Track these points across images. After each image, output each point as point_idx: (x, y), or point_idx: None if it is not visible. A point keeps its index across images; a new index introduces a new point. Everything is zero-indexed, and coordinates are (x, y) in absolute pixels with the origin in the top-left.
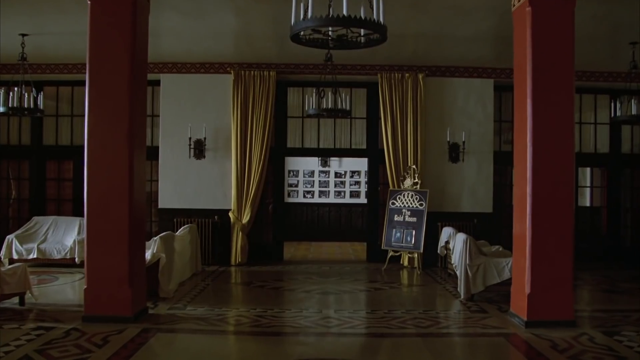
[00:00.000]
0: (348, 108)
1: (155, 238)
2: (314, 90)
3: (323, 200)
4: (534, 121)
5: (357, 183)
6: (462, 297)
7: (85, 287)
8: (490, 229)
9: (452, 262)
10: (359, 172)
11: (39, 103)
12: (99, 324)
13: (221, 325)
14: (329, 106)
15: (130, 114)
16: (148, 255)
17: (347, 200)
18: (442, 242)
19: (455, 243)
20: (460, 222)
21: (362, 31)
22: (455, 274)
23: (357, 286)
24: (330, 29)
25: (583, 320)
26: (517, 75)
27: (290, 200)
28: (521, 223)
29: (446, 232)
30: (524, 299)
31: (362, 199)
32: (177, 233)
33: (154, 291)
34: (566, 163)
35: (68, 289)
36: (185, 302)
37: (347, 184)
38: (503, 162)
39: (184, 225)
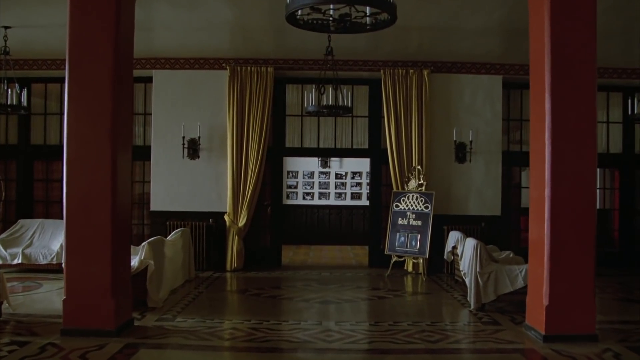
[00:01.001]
0: (350, 105)
1: (143, 244)
2: (314, 87)
3: (323, 202)
4: (553, 118)
5: (359, 184)
6: (472, 306)
7: (64, 297)
8: (498, 233)
9: (461, 268)
10: (360, 173)
11: (22, 100)
12: (78, 339)
13: (212, 339)
14: (330, 103)
15: (113, 110)
16: (135, 262)
17: (348, 202)
18: (449, 247)
19: (464, 249)
20: (467, 225)
21: (368, 10)
22: (464, 281)
23: (359, 294)
24: (331, 7)
25: (604, 333)
26: (534, 69)
27: (289, 202)
28: (538, 228)
29: (453, 236)
30: (541, 311)
31: (364, 201)
32: (168, 238)
33: (142, 301)
34: (588, 163)
35: (51, 298)
36: (175, 313)
37: (348, 186)
38: (512, 163)
39: (177, 228)
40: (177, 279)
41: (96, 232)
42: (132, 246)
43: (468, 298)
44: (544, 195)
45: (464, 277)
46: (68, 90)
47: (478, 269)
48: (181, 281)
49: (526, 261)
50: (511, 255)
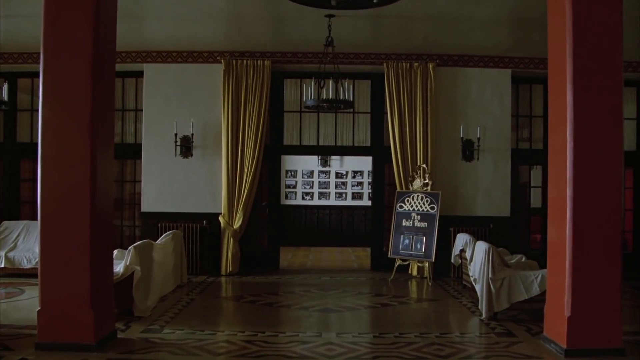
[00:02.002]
0: (351, 99)
1: (129, 248)
2: (313, 79)
3: (323, 202)
4: (575, 111)
5: (360, 184)
6: (483, 315)
7: (39, 308)
8: (507, 235)
9: (470, 274)
10: (361, 172)
11: (3, 94)
12: (54, 353)
13: (201, 354)
14: (330, 97)
15: (92, 104)
16: (120, 268)
17: (349, 202)
18: (456, 251)
19: (475, 253)
20: (475, 227)
21: None
22: (473, 286)
23: (362, 301)
24: None
25: (632, 346)
26: (553, 58)
27: (288, 202)
28: (558, 231)
29: (461, 239)
30: (562, 322)
31: (365, 201)
32: (158, 241)
33: (128, 309)
34: (614, 161)
35: (32, 306)
36: (163, 322)
37: (349, 185)
38: (520, 161)
39: (169, 230)
40: (168, 284)
41: (73, 237)
42: (119, 250)
43: (479, 306)
44: (565, 195)
45: (473, 283)
46: (43, 81)
47: (490, 275)
48: (172, 287)
49: (541, 266)
50: (523, 259)
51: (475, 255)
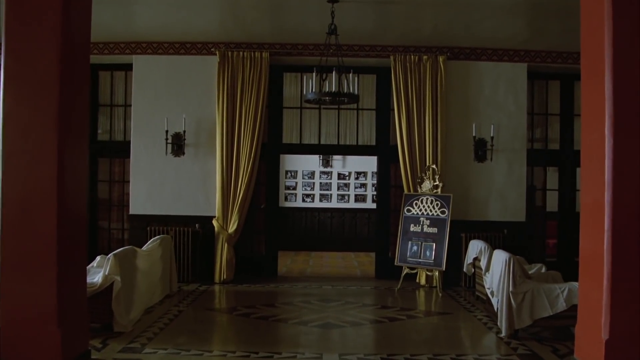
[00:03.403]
0: (356, 92)
1: (108, 255)
2: (314, 70)
3: (324, 204)
4: (615, 105)
5: (363, 185)
6: (503, 333)
7: None
8: (523, 241)
9: (487, 286)
10: (364, 174)
11: None
12: None
13: None
14: (333, 90)
15: (61, 92)
16: (98, 278)
17: (352, 204)
18: (469, 259)
19: (493, 263)
20: (487, 232)
21: None
22: (488, 299)
23: (366, 314)
24: None
25: None
26: (587, 44)
27: (288, 204)
28: (593, 241)
29: (475, 246)
30: (599, 346)
31: (369, 204)
32: (144, 247)
33: (108, 324)
34: None
35: None
36: (145, 340)
37: (352, 187)
38: (535, 162)
39: (159, 234)
40: (155, 295)
41: (38, 244)
42: (102, 256)
43: (499, 323)
44: (603, 200)
45: (489, 296)
46: (4, 66)
47: (511, 289)
48: (160, 297)
49: (565, 277)
50: (543, 269)
51: (493, 266)
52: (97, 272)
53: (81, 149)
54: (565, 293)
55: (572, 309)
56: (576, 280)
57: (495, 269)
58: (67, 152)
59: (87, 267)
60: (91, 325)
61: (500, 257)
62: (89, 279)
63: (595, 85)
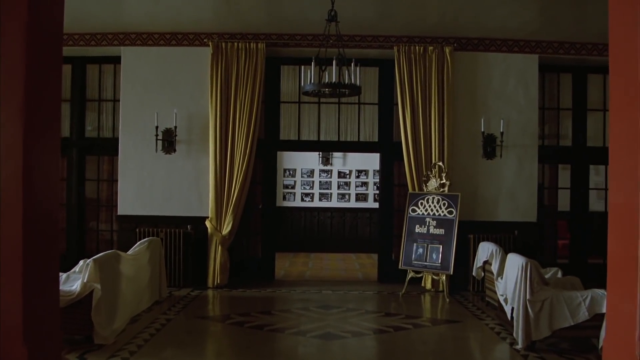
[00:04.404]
0: (358, 84)
1: (87, 261)
2: (313, 60)
3: (324, 204)
4: None
5: (364, 184)
6: (519, 345)
7: None
8: (534, 243)
9: (499, 292)
10: (366, 172)
11: None
12: None
13: None
14: (333, 80)
15: (27, 84)
16: (77, 286)
17: (353, 204)
18: (479, 262)
19: (507, 268)
20: (497, 233)
21: None
22: (500, 305)
23: (369, 322)
24: None
25: None
26: (616, 20)
27: (286, 204)
28: (624, 246)
29: (485, 249)
30: None
31: (370, 203)
32: (130, 250)
33: (88, 336)
34: None
35: None
36: (127, 354)
37: (353, 185)
38: (547, 160)
39: (149, 235)
40: (142, 302)
41: (1, 252)
42: (85, 261)
43: (514, 334)
44: (637, 199)
45: (502, 303)
46: None
47: (528, 296)
48: (148, 304)
49: (585, 284)
50: (559, 273)
51: (507, 271)
52: (78, 278)
53: (52, 146)
54: (587, 301)
55: (595, 319)
56: (595, 286)
57: (509, 274)
58: (35, 149)
59: (68, 273)
60: (70, 337)
61: (515, 261)
62: (67, 287)
63: (624, 75)
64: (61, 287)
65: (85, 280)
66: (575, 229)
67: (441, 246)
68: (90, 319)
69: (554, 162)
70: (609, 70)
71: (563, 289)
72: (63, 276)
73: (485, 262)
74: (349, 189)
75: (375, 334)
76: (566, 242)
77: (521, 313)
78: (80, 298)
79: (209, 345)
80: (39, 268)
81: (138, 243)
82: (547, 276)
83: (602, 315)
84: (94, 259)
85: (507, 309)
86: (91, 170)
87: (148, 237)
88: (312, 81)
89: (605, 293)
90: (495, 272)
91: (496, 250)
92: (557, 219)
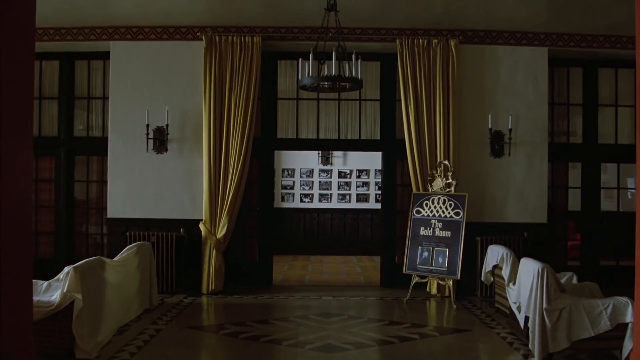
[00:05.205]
0: (359, 77)
1: (67, 269)
2: (311, 51)
3: (324, 205)
4: None
5: (366, 184)
6: (535, 357)
7: None
8: (545, 245)
9: (512, 300)
10: (367, 172)
11: None
12: None
13: None
14: (332, 73)
15: None
16: (57, 296)
17: (353, 205)
18: (488, 267)
19: (520, 273)
20: (505, 235)
21: None
22: (512, 312)
23: (372, 332)
24: None
25: None
26: None
27: (285, 205)
28: None
29: (494, 252)
30: None
31: (372, 204)
32: (117, 256)
33: (69, 350)
34: None
35: None
36: None
37: (354, 186)
38: (556, 158)
39: (140, 239)
40: (130, 311)
41: None
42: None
43: (530, 345)
44: None
45: (515, 311)
46: None
47: (545, 305)
48: (137, 312)
49: (602, 289)
50: (575, 279)
51: (521, 277)
52: (60, 287)
53: (23, 146)
54: (609, 310)
55: (617, 329)
56: (611, 290)
57: (523, 280)
58: (3, 149)
59: (50, 281)
60: (49, 351)
61: (529, 267)
62: (47, 297)
63: None
64: (40, 297)
65: (65, 290)
66: (586, 230)
67: (447, 249)
68: (71, 332)
69: (564, 160)
70: (636, 63)
71: (581, 296)
72: (44, 284)
73: (495, 267)
74: (350, 189)
75: (379, 345)
76: (576, 243)
77: (537, 323)
78: (60, 309)
79: (201, 359)
80: (8, 278)
81: (126, 248)
82: (562, 280)
83: (625, 325)
84: (74, 267)
85: (520, 318)
86: (80, 171)
87: (139, 241)
88: (310, 74)
89: (629, 301)
90: (506, 277)
91: (507, 254)
92: (567, 219)
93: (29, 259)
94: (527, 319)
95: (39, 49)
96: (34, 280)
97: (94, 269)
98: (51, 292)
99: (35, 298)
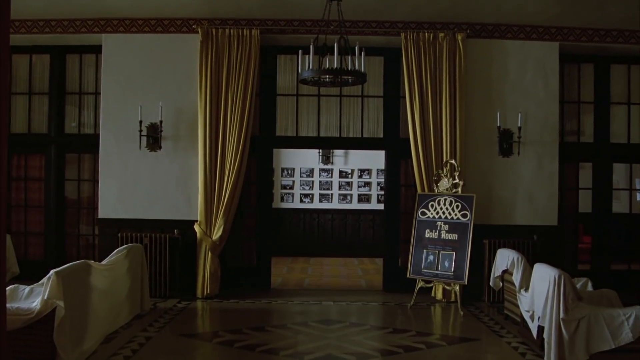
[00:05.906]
0: (363, 70)
1: (49, 274)
2: (311, 43)
3: (324, 205)
4: None
5: (367, 184)
6: None
7: None
8: (555, 249)
9: (524, 307)
10: (369, 171)
11: None
12: None
13: None
14: (334, 66)
15: None
16: (37, 304)
17: (355, 205)
18: (497, 271)
19: (534, 280)
20: (514, 238)
21: None
22: (522, 319)
23: (375, 341)
24: None
25: None
26: None
27: (284, 205)
28: None
29: (504, 256)
30: None
31: (374, 205)
32: (105, 260)
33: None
34: None
35: None
36: None
37: (355, 186)
38: (567, 158)
39: (132, 241)
40: (119, 317)
41: None
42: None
43: (545, 357)
44: None
45: (528, 320)
46: None
47: (562, 315)
48: (127, 318)
49: (621, 298)
50: (590, 285)
51: (535, 284)
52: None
53: None
54: (630, 320)
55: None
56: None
57: (537, 287)
58: None
59: (32, 286)
60: None
61: (544, 273)
62: (27, 304)
63: None
64: (20, 304)
65: (46, 297)
66: (597, 233)
67: (454, 253)
68: (52, 342)
69: (574, 161)
70: None
71: (599, 305)
72: (26, 289)
73: (505, 272)
74: (351, 190)
75: (383, 355)
76: (587, 246)
77: (553, 334)
78: (41, 317)
79: None
80: None
81: (116, 251)
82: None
83: None
84: (55, 272)
85: (533, 327)
86: (71, 170)
87: (131, 242)
88: (311, 67)
89: None
90: (517, 283)
91: (518, 259)
92: (577, 221)
93: (1, 262)
94: (540, 328)
95: (28, 42)
96: (15, 285)
97: (78, 273)
98: (32, 298)
99: (14, 305)
